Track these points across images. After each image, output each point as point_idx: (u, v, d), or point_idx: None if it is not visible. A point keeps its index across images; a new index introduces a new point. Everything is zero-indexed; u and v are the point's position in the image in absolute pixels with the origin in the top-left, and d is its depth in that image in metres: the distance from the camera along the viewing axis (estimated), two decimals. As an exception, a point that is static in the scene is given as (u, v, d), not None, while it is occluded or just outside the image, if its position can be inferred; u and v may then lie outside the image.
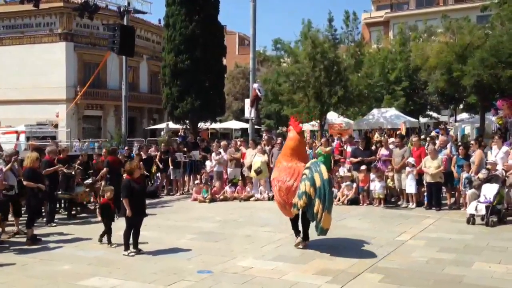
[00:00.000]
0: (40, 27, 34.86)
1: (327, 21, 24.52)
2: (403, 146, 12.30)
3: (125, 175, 7.95)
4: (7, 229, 9.19)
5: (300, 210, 7.59)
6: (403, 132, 21.15)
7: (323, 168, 7.41)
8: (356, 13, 26.19)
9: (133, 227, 7.57)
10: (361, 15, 34.72)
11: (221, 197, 13.53)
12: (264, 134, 20.07)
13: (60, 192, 11.00)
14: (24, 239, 8.66)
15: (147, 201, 12.67)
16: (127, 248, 7.50)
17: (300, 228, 7.89)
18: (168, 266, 6.82)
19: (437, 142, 12.71)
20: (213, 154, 14.61)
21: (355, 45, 25.57)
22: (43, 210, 10.29)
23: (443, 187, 11.81)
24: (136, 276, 6.39)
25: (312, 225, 7.54)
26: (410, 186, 11.64)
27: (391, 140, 14.23)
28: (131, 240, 7.55)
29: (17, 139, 22.80)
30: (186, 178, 15.38)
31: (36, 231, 8.96)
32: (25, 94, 33.08)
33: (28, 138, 22.78)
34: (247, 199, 13.33)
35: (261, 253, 7.53)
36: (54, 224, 10.09)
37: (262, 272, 6.50)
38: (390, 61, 29.54)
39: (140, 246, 7.61)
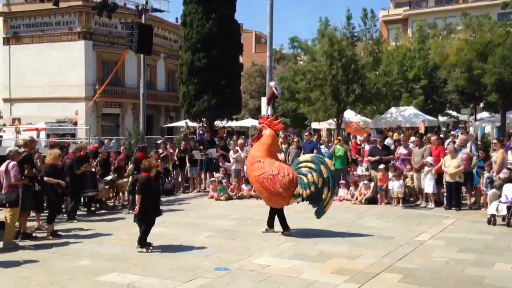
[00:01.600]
0: (59, 25, 35.29)
1: (346, 19, 24.33)
2: (423, 145, 12.15)
3: (142, 172, 8.01)
4: (28, 224, 9.32)
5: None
6: (422, 131, 20.85)
7: (328, 160, 8.75)
8: (374, 10, 25.93)
9: (150, 224, 7.62)
10: (379, 13, 34.35)
11: (238, 195, 13.54)
12: (280, 132, 19.92)
13: (88, 191, 11.17)
14: (45, 235, 8.81)
15: (164, 198, 12.84)
16: (143, 245, 7.56)
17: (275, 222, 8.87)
18: (185, 263, 6.86)
19: (456, 141, 12.51)
20: (231, 153, 14.65)
21: (373, 43, 25.28)
22: (63, 207, 10.45)
23: (463, 187, 11.64)
24: (154, 273, 6.44)
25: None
26: (428, 186, 11.49)
27: (411, 139, 14.04)
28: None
29: (38, 136, 23.12)
30: (202, 176, 15.45)
31: (56, 227, 9.11)
32: (45, 92, 33.59)
33: (48, 135, 23.10)
34: (264, 197, 13.29)
35: (278, 251, 7.53)
36: (75, 221, 10.24)
37: (279, 270, 6.49)
38: (409, 59, 29.13)
39: (155, 244, 7.67)
